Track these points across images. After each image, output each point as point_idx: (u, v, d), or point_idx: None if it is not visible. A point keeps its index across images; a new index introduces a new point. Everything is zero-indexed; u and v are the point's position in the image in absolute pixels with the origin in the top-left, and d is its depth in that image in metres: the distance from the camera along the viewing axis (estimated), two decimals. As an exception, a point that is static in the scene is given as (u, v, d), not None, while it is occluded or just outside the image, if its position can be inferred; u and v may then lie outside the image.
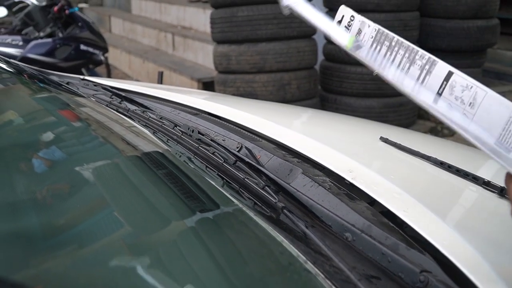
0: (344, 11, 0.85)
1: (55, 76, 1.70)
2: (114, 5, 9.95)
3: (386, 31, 0.71)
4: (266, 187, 0.88)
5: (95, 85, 1.54)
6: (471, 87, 0.68)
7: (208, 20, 3.93)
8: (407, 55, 0.71)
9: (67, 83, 1.57)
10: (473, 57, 4.52)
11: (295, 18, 3.70)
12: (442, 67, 0.70)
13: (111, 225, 0.88)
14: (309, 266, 0.70)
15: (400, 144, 1.23)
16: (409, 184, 0.99)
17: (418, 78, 0.71)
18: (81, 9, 5.21)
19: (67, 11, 4.53)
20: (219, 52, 3.78)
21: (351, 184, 0.96)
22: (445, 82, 0.70)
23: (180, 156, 1.03)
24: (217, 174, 0.95)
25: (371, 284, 0.68)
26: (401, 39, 0.69)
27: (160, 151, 1.10)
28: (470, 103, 0.69)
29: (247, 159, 0.98)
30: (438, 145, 1.57)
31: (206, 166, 0.97)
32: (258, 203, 0.86)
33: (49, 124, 1.26)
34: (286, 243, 0.77)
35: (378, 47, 0.71)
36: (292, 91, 3.69)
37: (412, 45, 0.69)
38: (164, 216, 0.92)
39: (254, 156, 1.03)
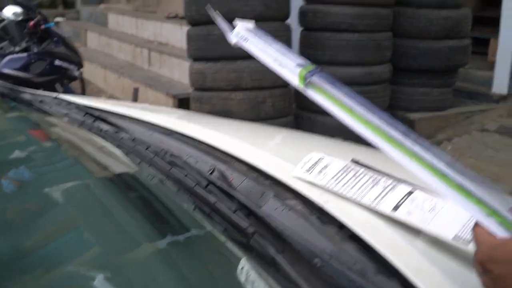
0: (313, 156, 0.94)
1: (28, 93, 1.69)
2: (90, 19, 9.92)
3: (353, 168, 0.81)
4: (238, 211, 0.89)
5: (68, 104, 1.53)
6: (432, 199, 0.75)
7: (183, 36, 3.95)
8: (371, 179, 0.81)
9: (40, 102, 1.56)
10: (444, 77, 4.61)
11: (276, 37, 3.73)
12: (403, 188, 0.80)
13: (81, 247, 0.88)
14: (278, 292, 0.71)
15: (371, 166, 1.25)
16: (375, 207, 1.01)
17: (378, 196, 0.79)
18: (57, 23, 5.17)
19: (42, 26, 4.50)
20: (195, 69, 3.79)
21: (321, 208, 0.97)
22: (406, 197, 0.81)
23: (152, 179, 1.03)
24: (189, 197, 0.95)
25: (339, 310, 0.68)
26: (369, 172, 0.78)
27: (131, 172, 1.10)
28: (431, 209, 0.76)
29: (219, 182, 0.98)
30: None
31: (178, 189, 0.97)
32: (229, 227, 0.86)
33: (20, 144, 1.25)
34: (256, 267, 0.77)
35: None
36: (267, 109, 3.72)
37: (378, 174, 0.75)
38: (134, 239, 0.91)
39: (227, 179, 1.04)
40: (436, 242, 0.86)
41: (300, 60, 0.80)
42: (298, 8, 4.29)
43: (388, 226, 0.88)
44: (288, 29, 3.89)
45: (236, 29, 0.88)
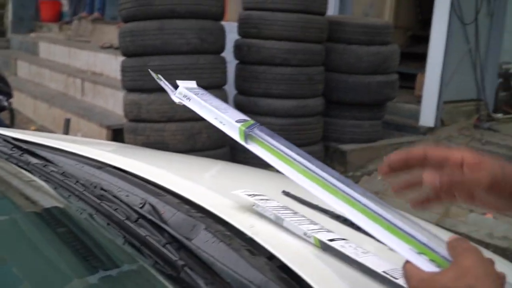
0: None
1: (-48, 125, 1.63)
2: (21, 48, 9.66)
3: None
4: (168, 244, 0.89)
5: (-6, 136, 1.49)
6: (364, 242, 0.90)
7: (120, 66, 3.92)
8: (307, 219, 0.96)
9: (-36, 134, 1.51)
10: (374, 110, 4.79)
11: (205, 69, 3.78)
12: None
13: (10, 283, 0.85)
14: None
15: (301, 198, 1.28)
16: (305, 238, 1.03)
17: (315, 230, 0.94)
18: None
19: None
20: (129, 100, 3.76)
21: (252, 239, 0.99)
22: (340, 237, 0.93)
23: (81, 213, 1.02)
24: (118, 232, 0.94)
25: None
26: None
27: (60, 207, 1.08)
28: (363, 249, 0.89)
29: (149, 216, 0.98)
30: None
31: (108, 223, 0.97)
32: (159, 261, 0.86)
33: None
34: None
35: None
36: (203, 140, 3.73)
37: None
38: (65, 274, 0.90)
39: (158, 212, 1.04)
40: (363, 276, 0.90)
41: (239, 116, 0.85)
42: (234, 42, 4.37)
43: (318, 258, 0.91)
44: (223, 62, 3.95)
45: (178, 90, 0.94)
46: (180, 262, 0.84)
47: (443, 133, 5.41)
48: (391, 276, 0.83)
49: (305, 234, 0.99)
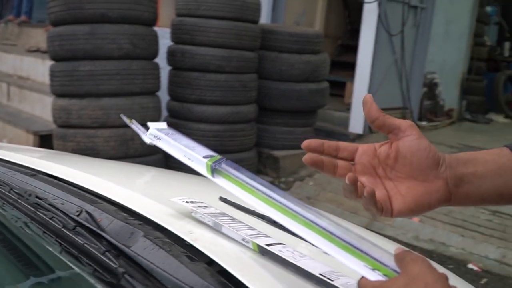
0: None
1: None
2: None
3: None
4: (106, 252, 0.89)
5: None
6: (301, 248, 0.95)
7: (47, 70, 3.82)
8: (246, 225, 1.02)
9: None
10: (305, 117, 4.89)
11: (138, 75, 3.74)
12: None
13: None
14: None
15: (238, 204, 1.30)
16: (243, 243, 1.06)
17: (253, 235, 0.99)
18: None
19: None
20: (58, 106, 3.66)
21: (191, 245, 1.00)
22: (278, 242, 0.97)
23: (16, 222, 1.00)
24: (55, 240, 0.93)
25: None
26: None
27: (-7, 216, 1.05)
28: (300, 253, 0.93)
29: (87, 224, 0.97)
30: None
31: (44, 232, 0.95)
32: (98, 269, 0.86)
33: None
34: (126, 308, 0.78)
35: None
36: (136, 146, 3.68)
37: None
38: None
39: (95, 220, 1.03)
40: (301, 279, 0.93)
41: (207, 152, 0.90)
42: (167, 48, 4.35)
43: (257, 262, 0.93)
44: (156, 67, 3.92)
45: (149, 131, 0.99)
46: (120, 270, 0.84)
47: (371, 140, 5.59)
48: (327, 278, 0.87)
49: (243, 239, 1.01)
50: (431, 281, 0.60)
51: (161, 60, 4.21)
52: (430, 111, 7.07)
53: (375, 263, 0.68)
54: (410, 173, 0.74)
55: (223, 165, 0.86)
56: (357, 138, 5.61)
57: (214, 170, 0.86)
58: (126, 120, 1.03)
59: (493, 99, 8.61)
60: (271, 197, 0.79)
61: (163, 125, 0.99)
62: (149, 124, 0.99)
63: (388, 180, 0.76)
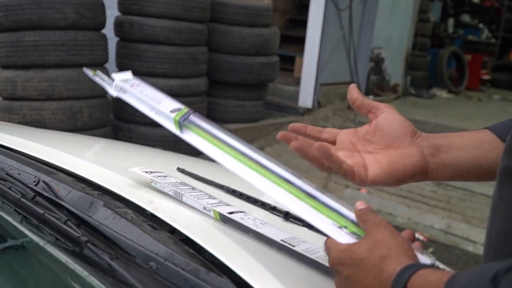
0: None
1: None
2: None
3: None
4: (68, 221, 0.88)
5: None
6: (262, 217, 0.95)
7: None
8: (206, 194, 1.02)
9: None
10: (256, 91, 4.91)
11: (85, 46, 3.64)
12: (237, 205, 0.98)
13: None
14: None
15: (196, 174, 1.31)
16: (205, 212, 1.07)
17: (214, 203, 1.00)
18: None
19: None
20: (3, 77, 3.53)
21: (152, 215, 1.00)
22: (239, 211, 0.99)
23: (-30, 192, 0.97)
24: (14, 210, 0.91)
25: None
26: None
27: None
28: (261, 221, 0.95)
29: (46, 194, 0.96)
30: (228, 174, 1.69)
31: (3, 202, 0.93)
32: (60, 238, 0.85)
33: None
34: (91, 276, 0.78)
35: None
36: (84, 119, 3.60)
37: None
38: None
39: (53, 190, 1.01)
40: (263, 245, 0.95)
41: (174, 105, 0.85)
42: (114, 18, 4.24)
43: (219, 230, 0.95)
44: (104, 38, 3.82)
45: (115, 83, 0.92)
46: (83, 238, 0.84)
47: (320, 114, 5.68)
48: (289, 244, 0.89)
49: (204, 208, 1.02)
50: (393, 246, 0.63)
51: (108, 31, 4.11)
52: (376, 86, 7.22)
53: (344, 220, 0.70)
54: (387, 142, 0.77)
55: (192, 118, 0.82)
56: (307, 112, 5.67)
57: (182, 126, 0.82)
58: (89, 73, 0.97)
59: (437, 74, 8.86)
60: (244, 153, 0.77)
61: (128, 75, 0.94)
62: (114, 75, 0.94)
63: (367, 154, 0.79)
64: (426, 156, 0.76)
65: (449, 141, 0.77)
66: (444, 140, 0.77)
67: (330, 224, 0.69)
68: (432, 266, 0.63)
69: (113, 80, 0.93)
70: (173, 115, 0.83)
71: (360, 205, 0.70)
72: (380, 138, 0.78)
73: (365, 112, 0.80)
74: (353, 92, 0.81)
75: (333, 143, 0.82)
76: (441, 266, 0.67)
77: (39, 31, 3.43)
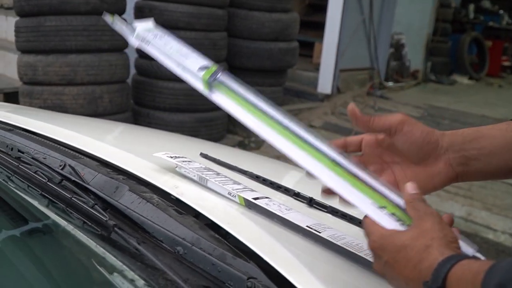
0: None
1: None
2: None
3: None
4: (95, 205, 0.88)
5: None
6: (287, 203, 0.91)
7: (9, 27, 3.69)
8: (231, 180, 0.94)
9: None
10: (275, 77, 4.88)
11: (106, 31, 3.64)
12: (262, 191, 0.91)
13: None
14: (144, 281, 0.73)
15: (219, 159, 1.31)
16: (230, 197, 1.07)
17: (239, 189, 0.94)
18: None
19: None
20: (24, 62, 3.56)
21: (177, 199, 1.00)
22: (264, 197, 0.96)
23: (-2, 176, 0.98)
24: (41, 194, 0.92)
25: (204, 293, 0.72)
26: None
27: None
28: (286, 207, 0.92)
29: (72, 178, 0.96)
30: (250, 160, 1.69)
31: (28, 186, 0.94)
32: (88, 222, 0.85)
33: None
34: (118, 260, 0.78)
35: None
36: (104, 104, 3.62)
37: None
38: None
39: (79, 174, 1.02)
40: (288, 231, 0.95)
41: (203, 61, 0.79)
42: (134, 4, 4.24)
43: (244, 215, 0.94)
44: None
45: (136, 32, 0.86)
46: (111, 222, 0.84)
47: (339, 100, 5.64)
48: (315, 230, 0.88)
49: (229, 193, 1.01)
50: (437, 236, 0.62)
51: (128, 16, 4.11)
52: (396, 72, 7.14)
53: (384, 201, 0.68)
54: (411, 160, 0.75)
55: (221, 77, 0.76)
56: (326, 98, 5.64)
57: (211, 85, 0.77)
58: (109, 20, 0.90)
59: (458, 60, 8.74)
60: (277, 120, 0.72)
61: (150, 24, 0.87)
62: (135, 24, 0.86)
63: (395, 164, 0.77)
64: (455, 167, 0.73)
65: (479, 145, 0.73)
66: (473, 146, 0.73)
67: (369, 204, 0.68)
68: (473, 257, 0.63)
69: (134, 29, 0.86)
70: (201, 73, 0.77)
71: (411, 188, 0.68)
72: (403, 156, 0.76)
73: (377, 132, 0.76)
74: (358, 120, 0.74)
75: (359, 148, 0.80)
76: (483, 257, 0.65)
77: (60, 16, 3.44)
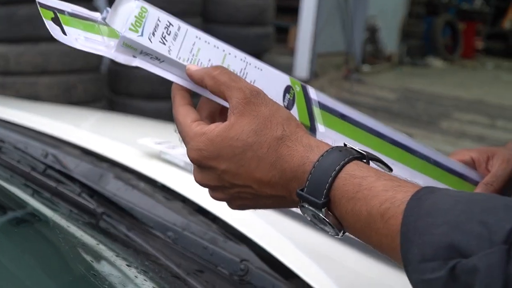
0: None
1: None
2: None
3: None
4: (82, 193, 0.87)
5: None
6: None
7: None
8: None
9: None
10: (252, 62, 4.85)
11: (79, 19, 3.56)
12: None
13: None
14: (136, 268, 0.72)
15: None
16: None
17: None
18: None
19: None
20: (-5, 52, 3.47)
21: (163, 186, 0.99)
22: None
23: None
24: (25, 184, 0.90)
25: (198, 277, 0.72)
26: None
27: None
28: None
29: (56, 166, 0.94)
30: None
31: (11, 176, 0.91)
32: (74, 210, 0.84)
33: None
34: (109, 248, 0.77)
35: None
36: (79, 94, 3.56)
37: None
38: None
39: (62, 163, 1.00)
40: (277, 213, 0.94)
41: (280, 79, 0.59)
42: (107, -10, 4.16)
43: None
44: (96, 10, 3.75)
45: (124, 38, 0.51)
46: (99, 210, 0.83)
47: (316, 85, 5.65)
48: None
49: None
50: (285, 122, 0.47)
51: (102, 4, 4.04)
52: (372, 55, 7.17)
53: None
54: None
55: (317, 98, 0.56)
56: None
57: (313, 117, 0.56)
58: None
59: (432, 43, 8.81)
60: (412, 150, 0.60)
61: (135, 5, 0.51)
62: (111, 11, 0.53)
63: None
64: None
65: None
66: None
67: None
68: (361, 154, 0.46)
69: (119, 33, 0.50)
70: (287, 98, 0.56)
71: (193, 67, 0.52)
72: None
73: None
74: None
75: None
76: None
77: (33, 4, 3.36)
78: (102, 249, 0.77)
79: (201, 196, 0.95)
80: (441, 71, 7.94)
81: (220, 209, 0.90)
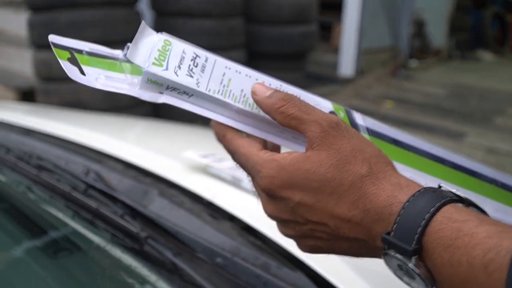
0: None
1: None
2: None
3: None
4: (125, 215, 0.81)
5: None
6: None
7: (22, 22, 3.63)
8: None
9: None
10: (296, 61, 4.77)
11: (120, 22, 3.57)
12: None
13: None
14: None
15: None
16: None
17: None
18: None
19: None
20: (39, 59, 3.50)
21: (210, 203, 0.92)
22: None
23: (17, 186, 0.91)
24: (65, 205, 0.84)
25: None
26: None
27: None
28: None
29: (98, 185, 0.89)
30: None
31: (50, 196, 0.86)
32: (117, 234, 0.78)
33: None
34: (154, 276, 0.71)
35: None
36: (124, 98, 3.55)
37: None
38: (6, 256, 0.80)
39: (104, 180, 0.95)
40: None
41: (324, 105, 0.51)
42: (148, -7, 4.16)
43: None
44: (138, 14, 3.74)
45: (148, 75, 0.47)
46: (143, 234, 0.77)
47: (362, 82, 5.51)
48: None
49: None
50: (372, 158, 0.42)
51: (143, 5, 4.04)
52: (419, 50, 6.96)
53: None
54: None
55: (363, 123, 0.51)
56: (347, 81, 5.51)
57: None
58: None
59: (480, 36, 8.51)
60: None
61: (158, 38, 0.49)
62: (131, 49, 0.48)
63: None
64: None
65: None
66: None
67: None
68: (459, 197, 0.39)
69: (143, 69, 0.47)
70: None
71: (262, 89, 0.47)
72: None
73: None
74: None
75: None
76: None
77: (74, 10, 3.38)
78: (147, 275, 0.71)
79: (250, 213, 0.88)
80: (492, 64, 7.65)
81: (271, 229, 0.83)
